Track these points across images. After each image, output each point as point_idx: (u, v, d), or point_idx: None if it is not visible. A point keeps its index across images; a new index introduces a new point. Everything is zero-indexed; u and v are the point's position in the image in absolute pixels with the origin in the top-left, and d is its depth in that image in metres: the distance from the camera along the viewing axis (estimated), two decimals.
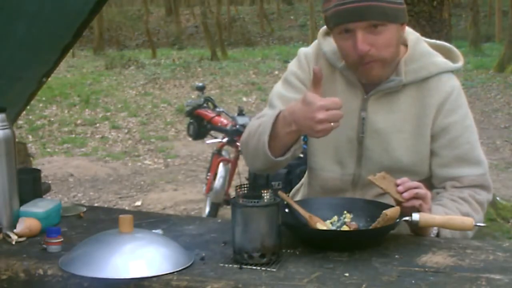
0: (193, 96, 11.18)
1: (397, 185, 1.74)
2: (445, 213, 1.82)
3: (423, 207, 1.73)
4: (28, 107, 3.32)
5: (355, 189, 1.99)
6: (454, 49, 2.04)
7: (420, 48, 1.97)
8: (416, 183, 1.75)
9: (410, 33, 1.98)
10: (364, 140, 1.95)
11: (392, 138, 1.93)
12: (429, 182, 1.97)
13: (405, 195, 1.72)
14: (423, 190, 1.74)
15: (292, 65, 2.07)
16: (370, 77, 1.90)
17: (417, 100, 1.93)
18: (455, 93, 1.94)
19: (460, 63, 1.99)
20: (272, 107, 2.01)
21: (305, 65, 2.03)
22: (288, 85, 2.03)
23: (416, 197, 1.73)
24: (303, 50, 2.07)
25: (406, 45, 1.96)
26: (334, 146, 1.98)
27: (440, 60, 1.97)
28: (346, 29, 1.82)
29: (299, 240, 1.68)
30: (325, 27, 2.02)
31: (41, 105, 11.70)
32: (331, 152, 1.99)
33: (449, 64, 1.97)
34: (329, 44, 1.99)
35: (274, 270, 1.51)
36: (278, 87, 2.06)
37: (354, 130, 1.96)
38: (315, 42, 2.07)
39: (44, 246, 1.69)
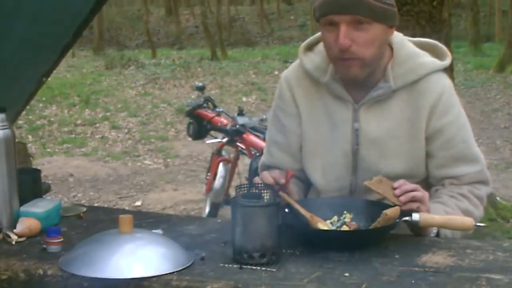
0: (193, 96, 11.15)
1: (394, 189, 1.74)
2: (445, 211, 1.82)
3: (421, 209, 1.73)
4: (28, 107, 3.32)
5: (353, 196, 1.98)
6: (440, 45, 2.00)
7: (405, 50, 1.93)
8: (413, 186, 1.75)
9: (395, 36, 1.92)
10: (359, 151, 1.93)
11: (388, 146, 1.91)
12: (426, 182, 1.96)
13: (402, 198, 1.72)
14: (420, 193, 1.74)
15: (276, 96, 2.08)
16: (347, 75, 1.87)
17: (408, 104, 1.90)
18: (447, 93, 1.91)
19: (448, 60, 1.95)
20: (270, 155, 2.07)
21: (286, 93, 2.02)
22: (278, 123, 2.05)
23: (413, 200, 1.72)
24: (283, 75, 2.06)
25: (392, 49, 1.92)
26: (329, 162, 1.96)
27: (428, 60, 1.93)
28: (331, 22, 1.80)
29: (299, 240, 1.69)
30: (305, 43, 2.03)
31: (41, 105, 11.68)
32: (327, 168, 1.97)
33: (437, 63, 1.93)
34: (311, 60, 1.97)
35: (274, 270, 1.51)
36: (271, 128, 2.09)
37: (349, 143, 1.93)
38: (296, 62, 2.04)
39: (44, 246, 1.69)
